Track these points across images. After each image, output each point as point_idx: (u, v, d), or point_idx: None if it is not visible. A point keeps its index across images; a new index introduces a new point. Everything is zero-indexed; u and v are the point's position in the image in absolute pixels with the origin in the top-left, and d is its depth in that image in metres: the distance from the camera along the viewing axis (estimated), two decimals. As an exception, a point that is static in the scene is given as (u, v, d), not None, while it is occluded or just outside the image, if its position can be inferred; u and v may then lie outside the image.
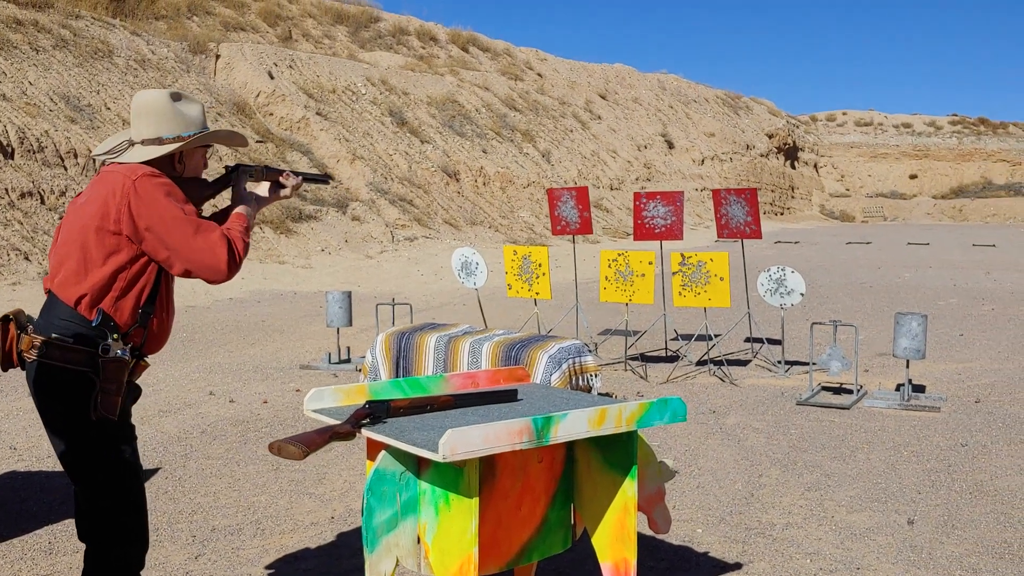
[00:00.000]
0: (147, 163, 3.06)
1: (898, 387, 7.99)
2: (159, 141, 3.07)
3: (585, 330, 10.56)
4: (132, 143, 3.11)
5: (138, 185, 2.93)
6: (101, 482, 3.00)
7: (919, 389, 7.97)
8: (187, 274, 3.01)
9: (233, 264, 2.99)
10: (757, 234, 9.19)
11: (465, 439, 2.62)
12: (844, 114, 69.17)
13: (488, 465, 2.93)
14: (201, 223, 2.98)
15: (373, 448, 3.10)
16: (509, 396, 3.33)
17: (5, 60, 19.04)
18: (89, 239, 2.94)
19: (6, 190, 15.88)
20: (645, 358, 9.45)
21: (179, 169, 3.16)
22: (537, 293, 9.28)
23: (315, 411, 3.19)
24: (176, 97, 3.14)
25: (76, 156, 17.77)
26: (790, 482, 5.40)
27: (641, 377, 8.63)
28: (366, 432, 2.92)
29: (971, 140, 64.66)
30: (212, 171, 14.38)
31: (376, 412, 2.98)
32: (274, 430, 6.52)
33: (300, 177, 3.43)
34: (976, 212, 56.01)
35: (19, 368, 3.01)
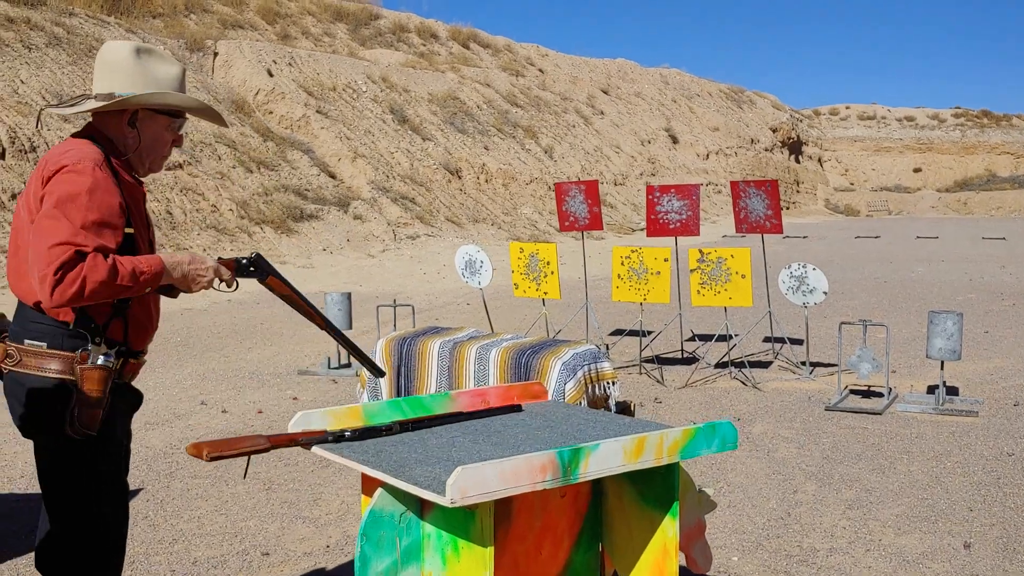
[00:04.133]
0: (94, 123, 2.68)
1: (930, 389, 7.54)
2: (111, 97, 2.63)
3: (595, 331, 10.10)
4: (87, 97, 2.68)
5: (58, 174, 2.49)
6: (76, 506, 2.62)
7: (952, 391, 7.51)
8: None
9: (59, 291, 2.41)
10: (778, 228, 8.73)
11: (478, 478, 2.17)
12: (847, 108, 68.66)
13: (502, 502, 2.47)
14: (73, 246, 2.41)
15: (369, 484, 2.66)
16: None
17: (-4, 58, 18.60)
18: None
19: (-4, 191, 15.44)
20: (660, 360, 8.99)
21: (131, 137, 2.69)
22: (546, 293, 8.83)
23: (301, 438, 2.75)
24: (143, 52, 2.68)
25: (69, 156, 17.33)
26: (828, 499, 4.95)
27: (657, 381, 8.17)
28: (324, 452, 2.48)
29: (975, 133, 64.16)
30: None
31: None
32: (267, 444, 6.08)
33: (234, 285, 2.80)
34: (981, 205, 55.46)
35: None
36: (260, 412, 7.00)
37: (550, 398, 3.53)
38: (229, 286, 2.79)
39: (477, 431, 2.77)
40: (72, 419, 2.53)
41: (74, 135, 2.69)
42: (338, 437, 2.64)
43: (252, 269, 2.83)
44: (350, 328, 8.92)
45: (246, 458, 2.64)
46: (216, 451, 2.53)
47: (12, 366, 2.58)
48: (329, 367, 8.58)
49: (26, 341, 2.57)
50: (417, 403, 2.95)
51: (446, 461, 2.45)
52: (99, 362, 2.54)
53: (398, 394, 5.66)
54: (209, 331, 11.00)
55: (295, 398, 7.49)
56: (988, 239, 29.21)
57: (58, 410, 2.53)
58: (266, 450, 2.60)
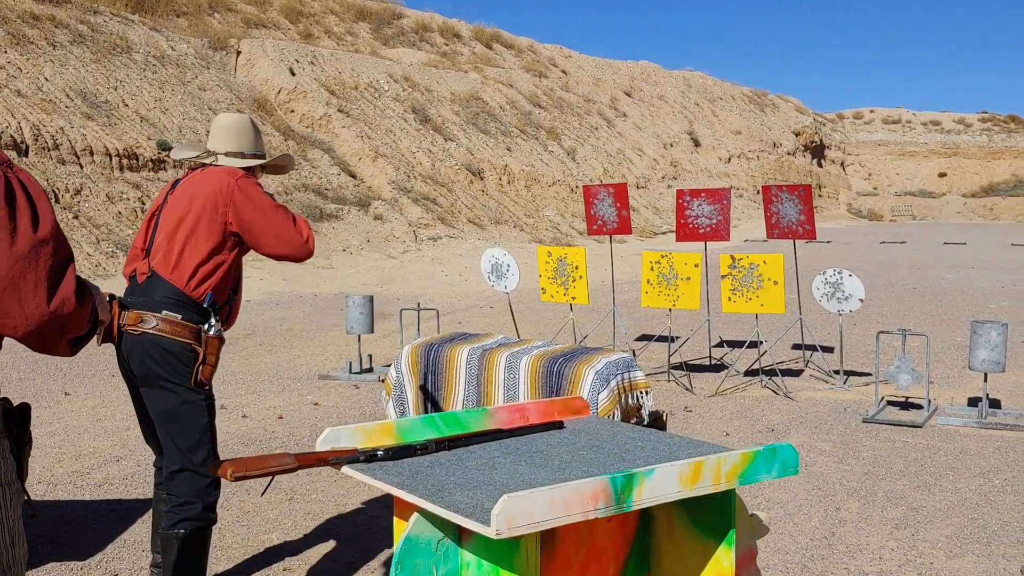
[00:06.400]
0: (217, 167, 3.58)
1: (971, 401, 7.31)
2: (241, 155, 3.62)
3: (622, 336, 9.91)
4: (213, 153, 3.60)
5: (240, 183, 3.46)
6: (196, 439, 3.37)
7: (994, 404, 7.27)
8: (276, 254, 3.51)
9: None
10: (811, 234, 8.52)
11: (525, 508, 1.99)
12: (871, 112, 68.07)
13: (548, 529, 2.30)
14: (294, 214, 3.59)
15: (403, 506, 2.48)
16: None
17: (21, 56, 18.57)
18: (198, 229, 3.39)
19: (18, 188, 15.37)
20: (688, 367, 8.79)
21: None
22: (573, 298, 8.64)
23: (330, 456, 2.58)
24: (253, 123, 3.71)
25: (92, 153, 17.26)
26: (873, 517, 4.74)
27: (686, 388, 7.97)
28: (354, 473, 2.30)
29: (1001, 138, 63.46)
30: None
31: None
32: (289, 450, 5.92)
33: None
34: (1008, 211, 54.82)
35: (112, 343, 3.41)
36: (280, 417, 6.84)
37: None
38: None
39: (519, 451, 2.59)
40: (197, 373, 3.36)
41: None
42: (370, 456, 2.46)
43: None
44: (371, 332, 8.76)
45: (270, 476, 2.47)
46: (241, 471, 2.36)
47: (149, 329, 3.31)
48: (351, 372, 8.42)
49: (164, 312, 3.33)
50: (453, 419, 2.77)
51: (487, 485, 2.27)
52: (219, 332, 3.40)
53: (425, 402, 5.49)
54: (228, 332, 10.86)
55: (316, 403, 7.34)
56: (1017, 245, 28.80)
57: (187, 367, 3.34)
58: (293, 470, 2.43)
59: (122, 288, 3.56)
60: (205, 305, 3.39)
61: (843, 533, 4.51)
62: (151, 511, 3.75)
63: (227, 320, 3.56)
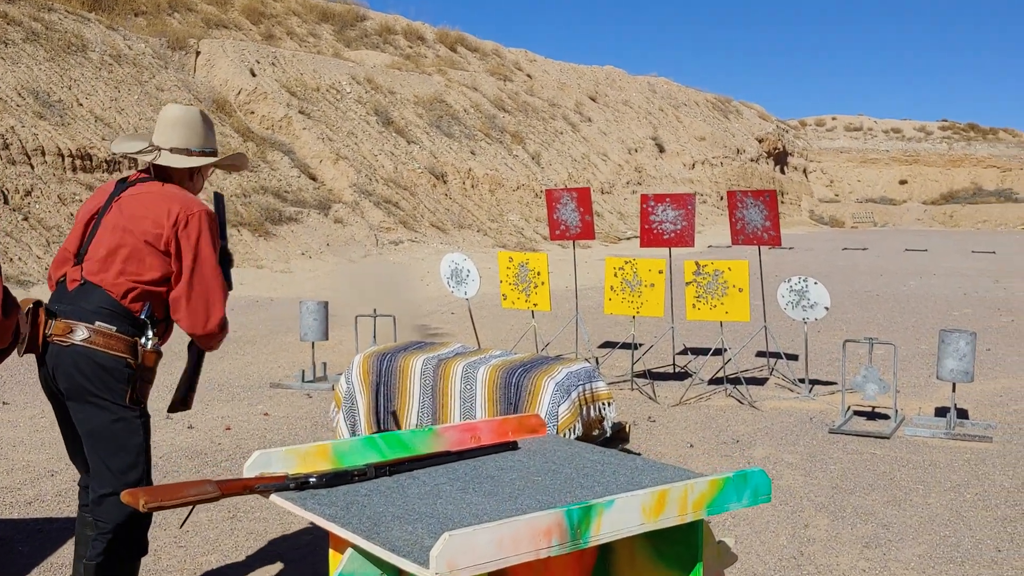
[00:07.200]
0: (172, 171, 3.29)
1: (938, 412, 7.18)
2: (187, 152, 3.30)
3: (585, 344, 9.71)
4: (158, 148, 3.28)
5: (199, 219, 3.17)
6: (129, 461, 3.12)
7: (962, 414, 7.15)
8: (174, 313, 3.21)
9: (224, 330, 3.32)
10: (776, 240, 8.37)
11: (468, 547, 1.77)
12: (833, 119, 68.65)
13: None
14: (225, 291, 3.27)
15: (339, 540, 2.24)
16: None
17: (-30, 53, 18.07)
18: (140, 247, 3.13)
19: (-34, 189, 14.93)
20: (652, 375, 8.59)
21: (194, 180, 3.38)
22: (535, 304, 8.42)
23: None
24: (206, 117, 3.39)
25: (44, 154, 16.82)
26: (843, 535, 4.55)
27: (650, 398, 7.78)
28: (287, 503, 2.06)
29: (961, 146, 64.23)
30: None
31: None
32: (235, 464, 5.65)
33: None
34: (967, 218, 55.46)
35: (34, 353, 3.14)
36: (228, 429, 6.56)
37: (543, 418, 3.10)
38: None
39: (467, 476, 2.37)
40: (132, 390, 3.12)
41: (152, 177, 3.29)
42: (301, 484, 2.23)
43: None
44: (326, 339, 8.49)
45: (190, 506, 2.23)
46: (155, 500, 2.11)
47: (79, 340, 3.05)
48: (303, 380, 8.14)
49: (97, 323, 3.08)
50: (396, 441, 2.54)
51: (429, 518, 2.04)
52: (155, 347, 3.17)
53: (376, 415, 5.24)
54: (179, 337, 10.49)
55: (266, 414, 7.06)
56: (978, 252, 29.00)
57: (121, 383, 3.10)
58: (215, 499, 2.19)
59: None
60: (142, 317, 3.15)
61: (812, 552, 4.32)
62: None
63: (163, 335, 3.32)
